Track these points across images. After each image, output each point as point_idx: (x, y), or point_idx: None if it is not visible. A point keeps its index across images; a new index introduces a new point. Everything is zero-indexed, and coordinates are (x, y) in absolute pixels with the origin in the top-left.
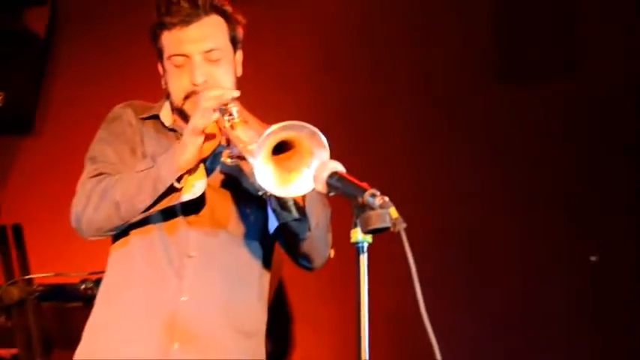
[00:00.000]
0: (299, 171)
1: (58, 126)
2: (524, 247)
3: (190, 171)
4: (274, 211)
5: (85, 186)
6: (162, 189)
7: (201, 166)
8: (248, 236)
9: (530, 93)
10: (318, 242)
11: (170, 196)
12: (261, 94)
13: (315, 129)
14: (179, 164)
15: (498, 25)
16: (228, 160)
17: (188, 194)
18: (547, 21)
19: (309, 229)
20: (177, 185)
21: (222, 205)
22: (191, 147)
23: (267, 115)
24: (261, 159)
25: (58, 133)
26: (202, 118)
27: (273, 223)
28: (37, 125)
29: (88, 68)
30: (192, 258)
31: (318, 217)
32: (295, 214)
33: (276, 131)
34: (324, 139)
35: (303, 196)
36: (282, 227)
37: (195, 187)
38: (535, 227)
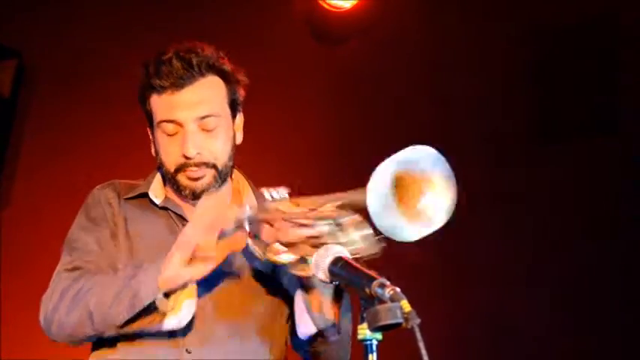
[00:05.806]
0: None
1: (23, 205)
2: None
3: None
4: (310, 312)
5: (60, 279)
6: (139, 307)
7: (193, 286)
8: (259, 330)
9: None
10: (343, 347)
11: (151, 317)
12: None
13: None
14: (161, 280)
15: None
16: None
17: (173, 317)
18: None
19: (339, 331)
20: (160, 306)
21: (230, 287)
22: (176, 263)
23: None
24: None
25: (22, 213)
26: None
27: (308, 328)
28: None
29: (59, 133)
30: (190, 354)
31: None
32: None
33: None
34: None
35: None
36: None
37: (182, 310)
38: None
